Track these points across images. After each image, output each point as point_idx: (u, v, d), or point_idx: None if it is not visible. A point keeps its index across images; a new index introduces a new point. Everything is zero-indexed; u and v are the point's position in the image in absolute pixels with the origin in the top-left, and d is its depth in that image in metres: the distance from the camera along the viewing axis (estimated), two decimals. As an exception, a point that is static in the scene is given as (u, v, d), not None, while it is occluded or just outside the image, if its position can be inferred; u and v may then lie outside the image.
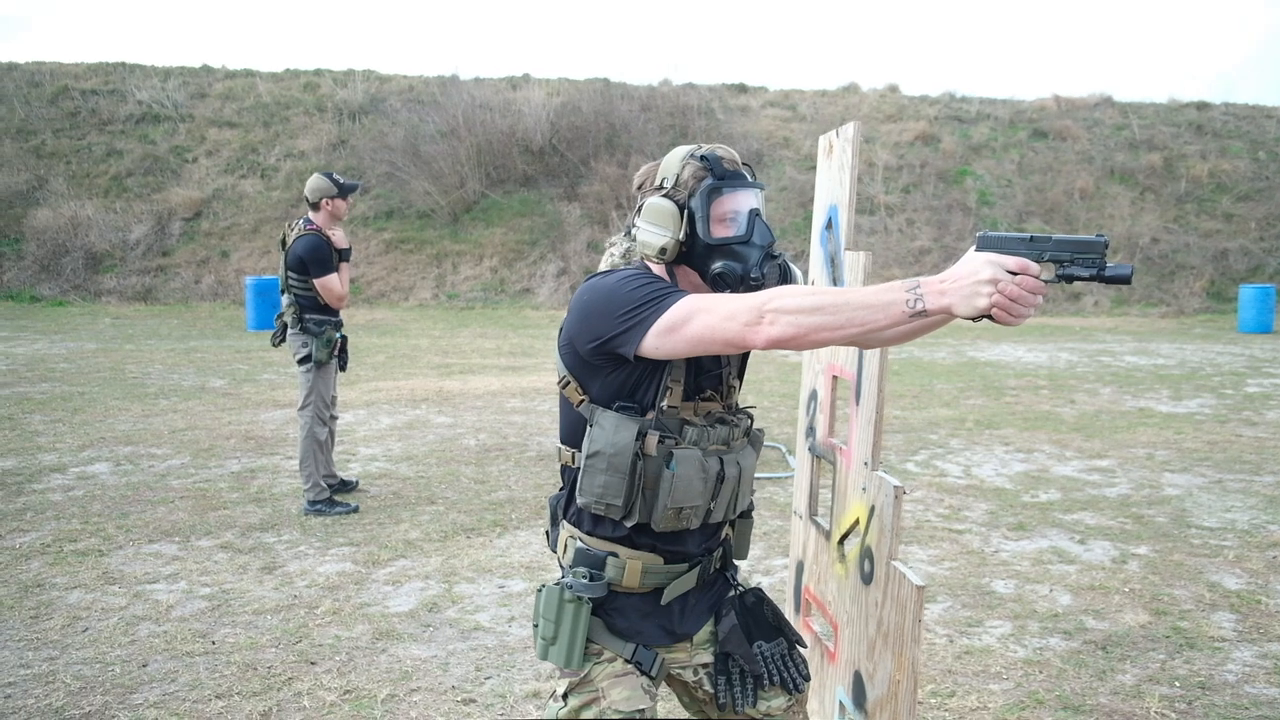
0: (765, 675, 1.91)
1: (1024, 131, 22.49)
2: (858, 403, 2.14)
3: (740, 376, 1.96)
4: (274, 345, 5.50)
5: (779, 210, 20.13)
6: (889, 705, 1.93)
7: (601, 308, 1.77)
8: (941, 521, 5.31)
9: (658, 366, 1.81)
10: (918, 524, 5.25)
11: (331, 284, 5.25)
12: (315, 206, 5.33)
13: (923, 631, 3.62)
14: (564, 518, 1.92)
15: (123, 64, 23.36)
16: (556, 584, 1.84)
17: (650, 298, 1.75)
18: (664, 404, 1.81)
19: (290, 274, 5.30)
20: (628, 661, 1.86)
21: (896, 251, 20.12)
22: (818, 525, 2.42)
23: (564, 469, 1.92)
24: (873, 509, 2.02)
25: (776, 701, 1.93)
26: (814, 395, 2.50)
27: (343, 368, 5.58)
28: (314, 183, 5.35)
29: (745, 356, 1.95)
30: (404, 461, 6.53)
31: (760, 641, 1.93)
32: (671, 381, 1.83)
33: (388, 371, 11.01)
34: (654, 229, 1.82)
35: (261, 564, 4.57)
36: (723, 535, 1.97)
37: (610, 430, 1.77)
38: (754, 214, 1.84)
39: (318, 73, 23.43)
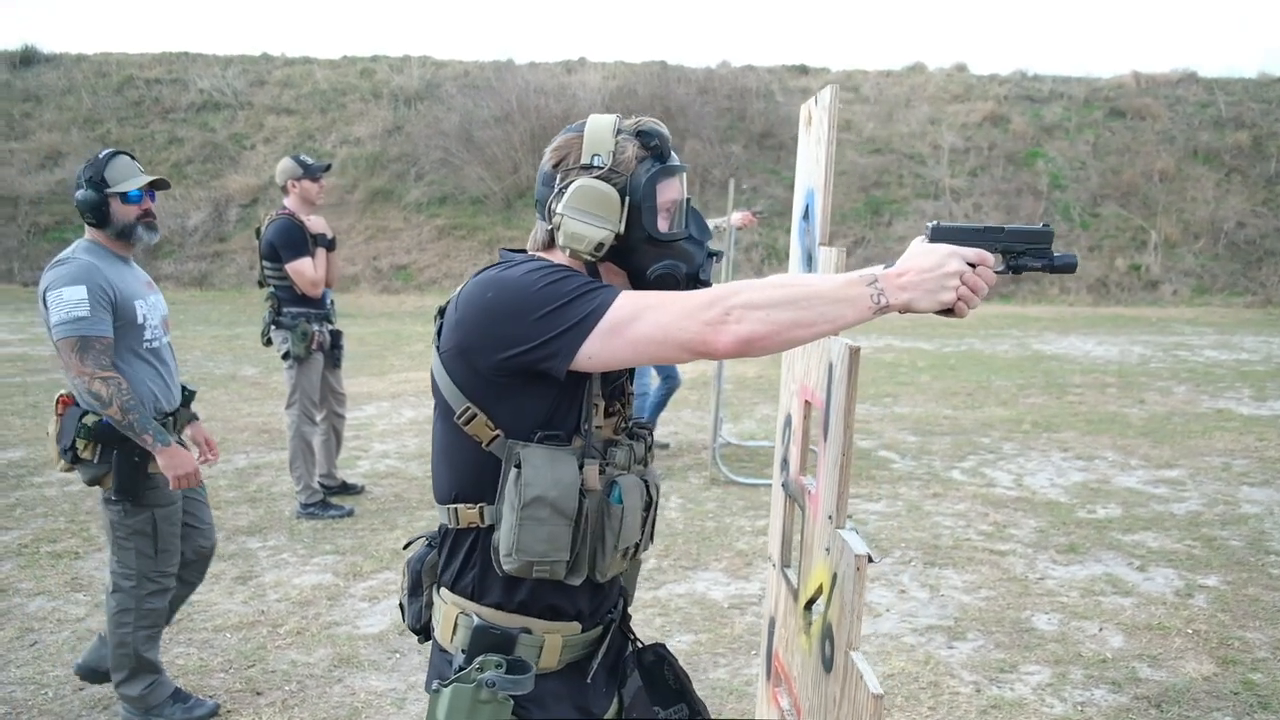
0: None
1: (1100, 110, 21.39)
2: (825, 439, 1.70)
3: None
4: (264, 344, 5.19)
5: (840, 196, 19.46)
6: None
7: (511, 309, 1.40)
8: (983, 540, 4.80)
9: (579, 381, 1.45)
10: (956, 543, 4.75)
11: (303, 268, 4.91)
12: (285, 190, 5.02)
13: (943, 685, 3.16)
14: (448, 588, 1.53)
15: (185, 53, 23.62)
16: (462, 680, 1.42)
17: (577, 293, 1.39)
18: (590, 425, 1.48)
19: (265, 264, 4.99)
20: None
21: (962, 238, 19.28)
22: (788, 581, 1.98)
23: (454, 533, 1.52)
24: (835, 577, 1.58)
25: None
26: (789, 422, 2.06)
27: (336, 364, 5.26)
28: (282, 165, 5.06)
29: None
30: (415, 459, 6.21)
31: (657, 708, 1.64)
32: (596, 398, 1.49)
33: (424, 360, 10.76)
34: (589, 219, 1.47)
35: (237, 573, 4.29)
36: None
37: (546, 468, 1.41)
38: (688, 204, 1.56)
39: (374, 59, 23.39)
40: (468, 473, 1.48)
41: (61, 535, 4.74)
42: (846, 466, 1.60)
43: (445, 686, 1.41)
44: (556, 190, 1.51)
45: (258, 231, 5.08)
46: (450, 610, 1.50)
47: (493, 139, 20.18)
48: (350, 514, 5.09)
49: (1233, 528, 5.02)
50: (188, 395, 3.11)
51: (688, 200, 1.57)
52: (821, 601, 1.65)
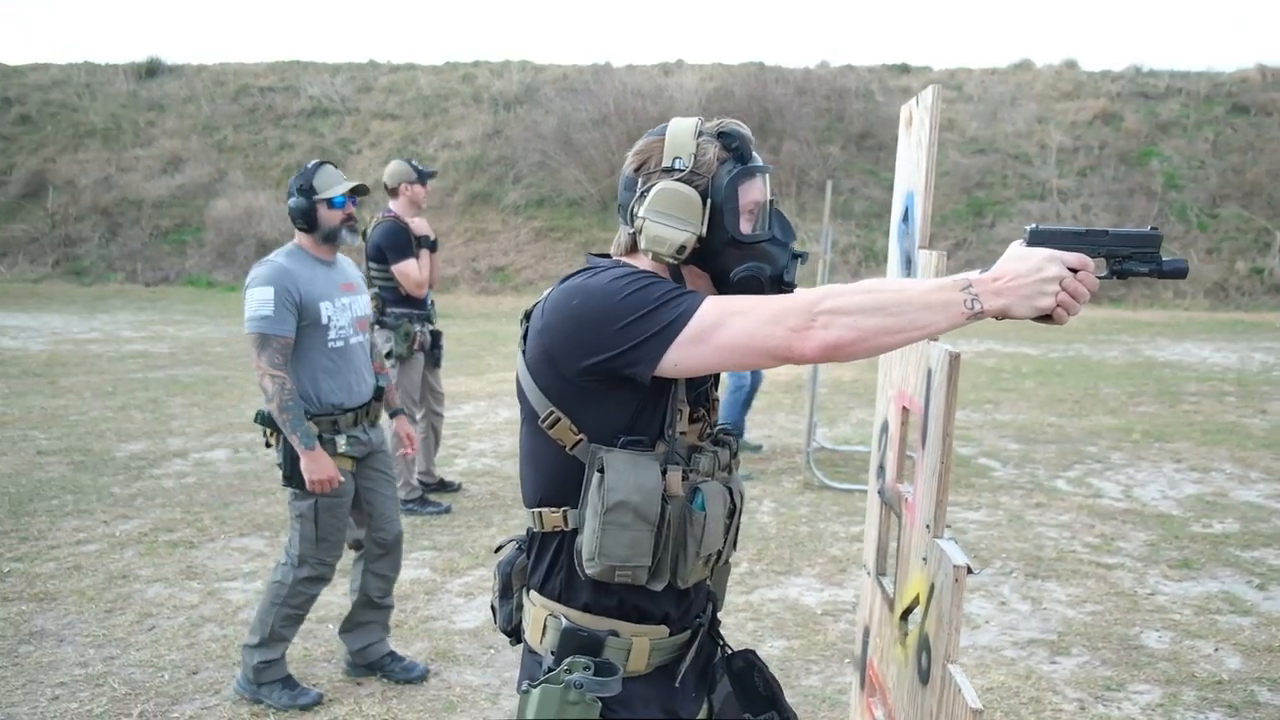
0: None
1: (1221, 107, 20.40)
2: (923, 446, 1.67)
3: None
4: None
5: (941, 197, 19.02)
6: None
7: (596, 316, 1.40)
8: (1089, 553, 4.63)
9: (664, 387, 1.46)
10: (1059, 554, 4.59)
11: (409, 269, 5.05)
12: (394, 193, 5.17)
13: (1046, 702, 3.06)
14: (537, 590, 1.53)
15: (297, 61, 24.52)
16: (551, 681, 1.42)
17: (661, 300, 1.39)
18: (674, 431, 1.48)
19: (370, 265, 5.14)
20: None
21: (1070, 240, 18.62)
22: (883, 589, 1.95)
23: (540, 536, 1.53)
24: (932, 587, 1.55)
25: None
26: (885, 428, 2.03)
27: (436, 363, 5.38)
28: (394, 168, 5.20)
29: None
30: (510, 459, 6.32)
31: (747, 715, 1.63)
32: (680, 403, 1.49)
33: (519, 361, 10.92)
34: (671, 221, 1.47)
35: (340, 566, 4.42)
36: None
37: (628, 473, 1.41)
38: (773, 205, 1.54)
39: (475, 64, 23.88)
40: (552, 477, 1.49)
41: (178, 525, 4.97)
42: (945, 475, 1.56)
43: (534, 687, 1.42)
44: (638, 194, 1.50)
45: (364, 234, 5.24)
46: (539, 613, 1.51)
47: (590, 141, 20.37)
48: (448, 511, 5.21)
49: (1364, 548, 4.73)
50: (378, 390, 3.29)
51: (771, 202, 1.55)
52: (918, 612, 1.62)
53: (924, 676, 1.57)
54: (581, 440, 1.45)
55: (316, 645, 3.63)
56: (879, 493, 2.03)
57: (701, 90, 21.14)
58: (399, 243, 5.05)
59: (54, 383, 8.79)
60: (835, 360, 1.38)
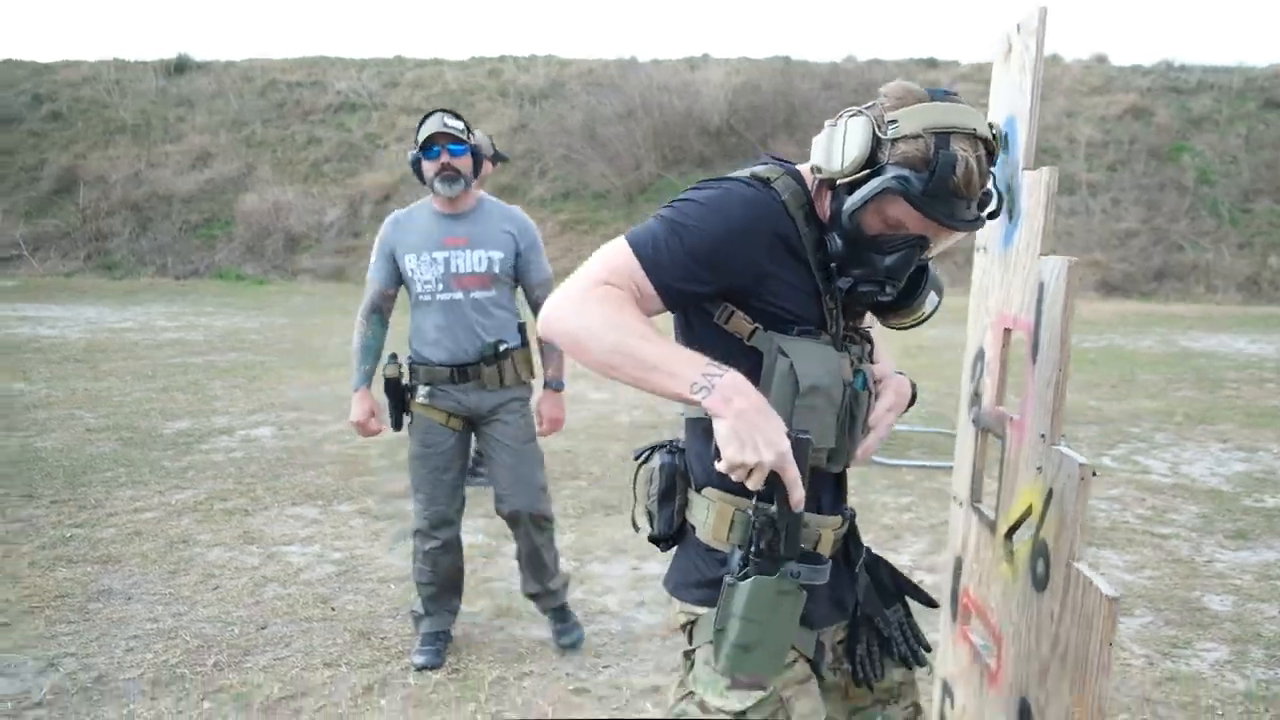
0: (892, 643, 1.63)
1: (1254, 102, 20.22)
2: (1034, 362, 1.68)
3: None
4: None
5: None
6: (1063, 738, 1.47)
7: None
8: (1141, 524, 4.61)
9: (812, 279, 1.47)
10: (1112, 524, 4.58)
11: None
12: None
13: (1113, 656, 3.05)
14: (716, 487, 1.48)
15: (324, 57, 24.70)
16: (765, 572, 1.37)
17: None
18: (836, 322, 1.50)
19: None
20: (808, 661, 1.52)
21: (1099, 234, 18.51)
22: (980, 514, 1.96)
23: (703, 425, 1.47)
24: (1050, 494, 1.56)
25: (896, 674, 1.66)
26: (980, 355, 2.03)
27: None
28: (481, 139, 5.29)
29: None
30: (553, 436, 6.34)
31: (888, 607, 1.66)
32: (832, 296, 1.49)
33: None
34: (830, 147, 1.41)
35: (395, 531, 4.46)
36: None
37: (818, 360, 1.42)
38: (922, 247, 1.44)
39: (501, 59, 23.98)
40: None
41: (231, 495, 5.03)
42: (1063, 383, 1.58)
43: (741, 579, 1.37)
44: (870, 106, 1.43)
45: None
46: (725, 508, 1.47)
47: (615, 135, 20.39)
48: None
49: None
50: (486, 353, 3.09)
51: (922, 244, 1.43)
52: (1032, 522, 1.63)
53: (1040, 583, 1.58)
54: (757, 329, 1.44)
55: (379, 603, 3.67)
56: (973, 421, 2.04)
57: (728, 85, 21.13)
58: None
59: (95, 367, 8.88)
60: (548, 339, 1.40)
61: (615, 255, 1.41)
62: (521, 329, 3.17)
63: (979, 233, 2.12)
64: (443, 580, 3.21)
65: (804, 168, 1.52)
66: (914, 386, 1.66)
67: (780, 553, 1.37)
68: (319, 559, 4.12)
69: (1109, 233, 18.55)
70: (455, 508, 3.18)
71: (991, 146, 1.40)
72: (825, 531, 1.50)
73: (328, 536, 4.40)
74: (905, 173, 1.35)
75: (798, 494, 1.31)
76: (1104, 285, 17.45)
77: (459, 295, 3.08)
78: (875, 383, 1.55)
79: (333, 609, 3.60)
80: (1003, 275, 1.92)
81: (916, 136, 1.35)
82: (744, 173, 1.48)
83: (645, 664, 3.17)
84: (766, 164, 1.51)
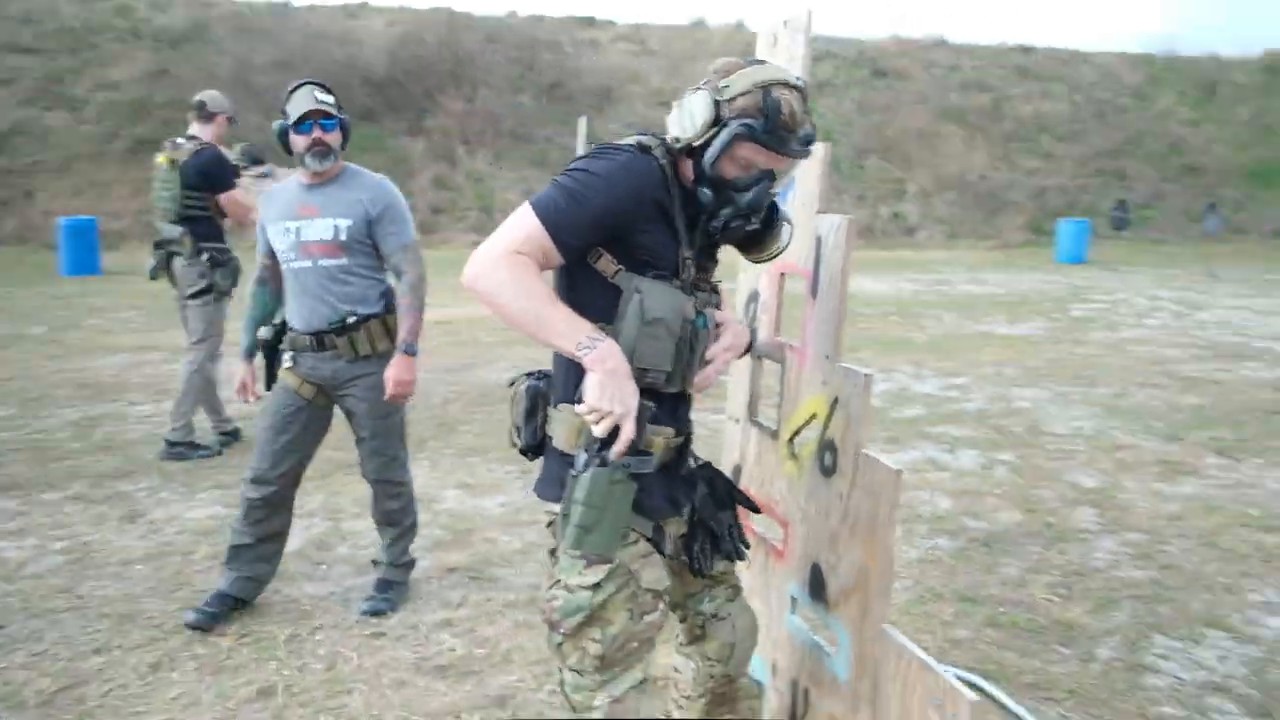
0: (722, 541, 2.00)
1: (865, 70, 23.13)
2: (814, 299, 2.13)
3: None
4: (152, 279, 5.09)
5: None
6: (857, 593, 1.94)
7: None
8: (820, 439, 5.47)
9: (675, 235, 1.80)
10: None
11: (240, 196, 4.89)
12: (209, 119, 4.97)
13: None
14: (568, 403, 1.79)
15: (-105, -21, 20.77)
16: (600, 464, 1.68)
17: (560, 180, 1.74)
18: (687, 270, 1.82)
19: (188, 194, 4.87)
20: (649, 540, 1.84)
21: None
22: (760, 427, 2.40)
23: (564, 360, 1.80)
24: (835, 401, 2.02)
25: (721, 564, 2.05)
26: (754, 296, 2.47)
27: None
28: (217, 95, 5.14)
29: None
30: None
31: (720, 510, 2.01)
32: (687, 251, 1.82)
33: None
34: (683, 119, 1.77)
35: (121, 513, 4.23)
36: None
37: (665, 297, 1.74)
38: (769, 176, 1.77)
39: (129, -6, 21.53)
40: (590, 305, 1.74)
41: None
42: (842, 313, 2.03)
43: (582, 472, 1.68)
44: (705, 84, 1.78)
45: (173, 162, 4.90)
46: (575, 420, 1.76)
47: (272, 85, 19.16)
48: (219, 454, 5.07)
49: (1013, 418, 5.97)
50: (334, 323, 3.11)
51: (770, 174, 1.76)
52: (816, 425, 2.08)
53: (828, 471, 2.03)
54: (621, 270, 1.74)
55: (133, 585, 3.52)
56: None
57: (389, 34, 20.61)
58: (225, 171, 4.90)
59: None
60: (473, 293, 1.70)
61: (523, 222, 1.69)
62: (385, 295, 3.20)
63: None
64: (253, 536, 3.23)
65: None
66: (753, 333, 2.04)
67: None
68: (40, 551, 3.83)
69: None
70: (279, 472, 3.20)
71: (804, 92, 1.78)
72: (657, 439, 1.81)
73: (42, 527, 4.07)
74: (747, 120, 1.71)
75: (621, 447, 1.66)
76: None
77: (307, 263, 3.11)
78: (717, 325, 1.91)
79: (79, 597, 3.41)
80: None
81: (747, 92, 1.72)
82: (630, 141, 1.78)
83: (431, 603, 3.37)
84: (646, 135, 1.82)
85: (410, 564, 3.46)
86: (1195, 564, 3.74)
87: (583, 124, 6.75)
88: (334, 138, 3.08)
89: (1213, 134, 22.29)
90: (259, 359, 3.30)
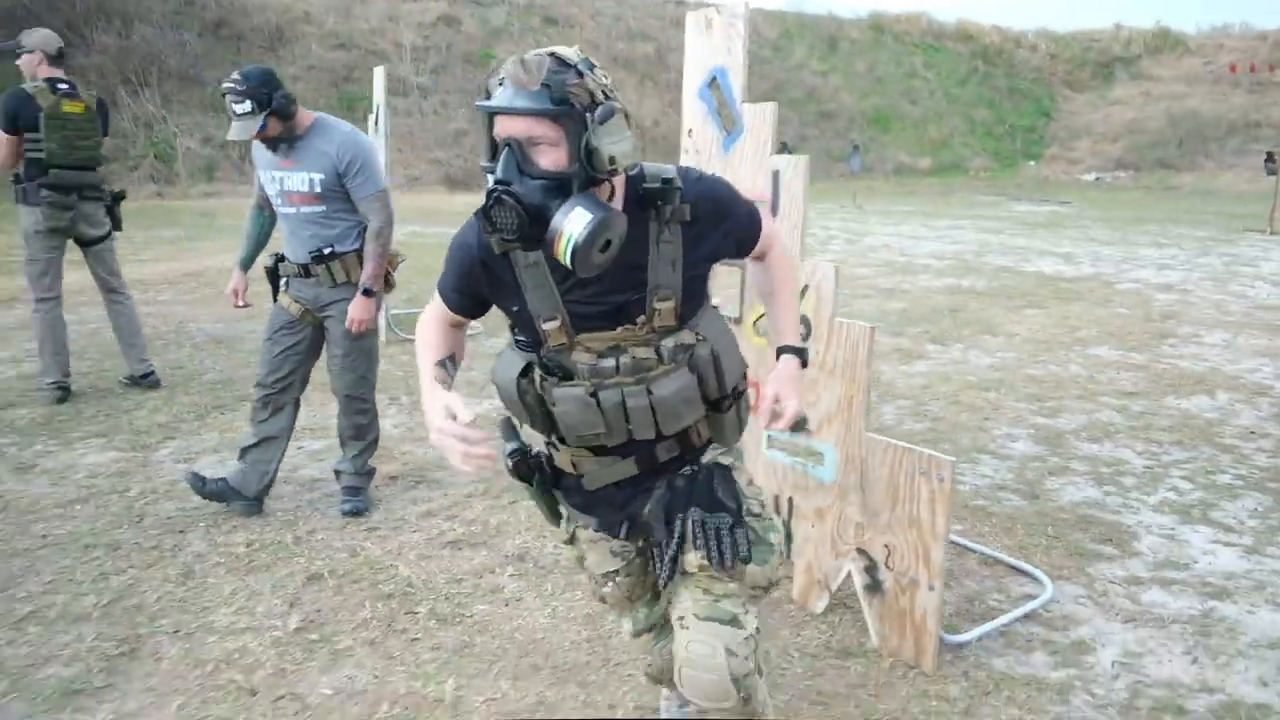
0: (693, 540, 1.79)
1: (537, 18, 23.92)
2: (775, 215, 2.94)
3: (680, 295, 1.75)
4: None
5: (310, 90, 19.32)
6: (840, 415, 2.82)
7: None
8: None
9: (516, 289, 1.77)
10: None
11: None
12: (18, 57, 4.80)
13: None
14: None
15: None
16: (521, 478, 1.91)
17: None
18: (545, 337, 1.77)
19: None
20: (596, 530, 1.96)
21: (435, 134, 20.59)
22: (737, 318, 3.19)
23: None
24: (805, 288, 2.86)
25: (696, 564, 1.79)
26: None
27: None
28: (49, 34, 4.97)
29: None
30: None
31: (695, 509, 1.81)
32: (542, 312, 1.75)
33: None
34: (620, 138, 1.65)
35: (7, 468, 4.15)
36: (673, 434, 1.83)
37: (501, 364, 1.84)
38: (509, 144, 1.58)
39: None
40: None
41: None
42: (804, 224, 2.87)
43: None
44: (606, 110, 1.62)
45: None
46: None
47: None
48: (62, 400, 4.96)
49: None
50: (314, 255, 3.49)
51: (509, 143, 1.56)
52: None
53: (803, 338, 2.88)
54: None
55: (99, 516, 3.62)
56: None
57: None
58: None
59: None
60: None
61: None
62: (363, 233, 3.52)
63: (692, 139, 3.28)
64: (254, 436, 3.65)
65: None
66: (803, 355, 1.96)
67: (523, 472, 1.87)
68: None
69: (443, 133, 20.72)
70: (275, 377, 3.60)
71: (524, 61, 1.61)
72: (562, 455, 1.87)
73: None
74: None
75: (462, 466, 1.59)
76: (449, 180, 19.59)
77: (291, 210, 3.47)
78: (752, 388, 2.12)
79: (43, 537, 3.46)
80: (725, 168, 3.13)
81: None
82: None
83: (400, 500, 3.84)
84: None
85: (371, 472, 3.87)
86: (952, 415, 5.10)
87: (379, 75, 6.73)
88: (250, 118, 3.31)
89: (839, 83, 25.73)
90: (242, 276, 3.77)
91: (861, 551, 2.83)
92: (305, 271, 3.51)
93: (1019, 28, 29.43)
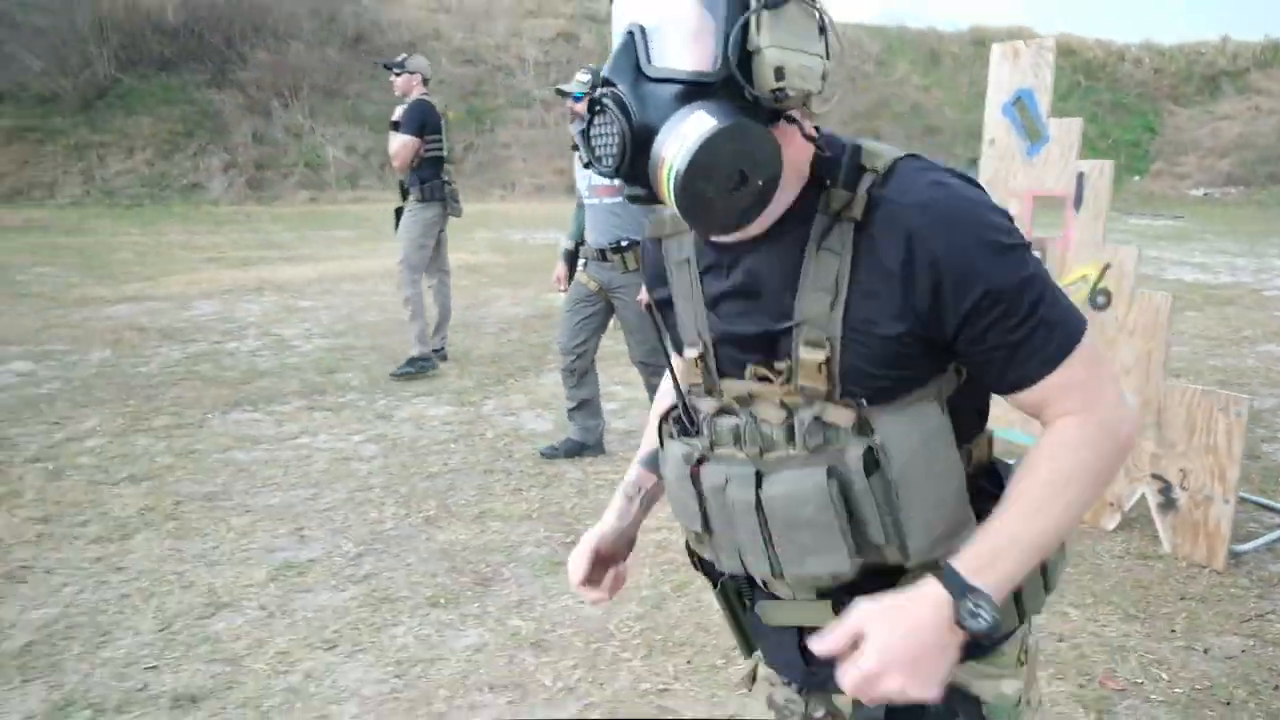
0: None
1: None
2: (1077, 208, 3.64)
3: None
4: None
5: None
6: (1138, 369, 3.50)
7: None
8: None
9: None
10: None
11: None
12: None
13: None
14: None
15: None
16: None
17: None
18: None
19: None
20: (770, 666, 1.34)
21: (559, 144, 21.56)
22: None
23: None
24: (1107, 265, 3.55)
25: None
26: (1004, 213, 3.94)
27: None
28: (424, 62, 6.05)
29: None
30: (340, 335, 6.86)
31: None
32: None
33: (166, 268, 10.35)
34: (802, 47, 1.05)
35: (372, 416, 5.03)
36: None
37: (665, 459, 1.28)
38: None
39: None
40: None
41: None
42: (1103, 215, 3.57)
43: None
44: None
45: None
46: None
47: (50, 26, 17.90)
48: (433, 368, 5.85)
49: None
50: (612, 245, 4.13)
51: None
52: (1089, 279, 3.60)
53: (1101, 306, 3.56)
54: None
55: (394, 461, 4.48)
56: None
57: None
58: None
59: None
60: None
61: None
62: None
63: (994, 148, 4.00)
64: (573, 400, 4.40)
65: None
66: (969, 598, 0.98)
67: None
68: (358, 442, 4.63)
69: (568, 143, 21.65)
70: (575, 342, 4.31)
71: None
72: (768, 605, 1.22)
73: (324, 426, 4.83)
74: None
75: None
76: (571, 189, 20.49)
77: (596, 201, 4.18)
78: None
79: (449, 460, 4.32)
80: (1025, 170, 3.84)
81: None
82: None
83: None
84: None
85: None
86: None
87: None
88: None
89: (941, 98, 26.14)
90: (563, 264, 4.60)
91: (1156, 476, 3.51)
92: (602, 256, 4.19)
93: (1122, 41, 29.46)
